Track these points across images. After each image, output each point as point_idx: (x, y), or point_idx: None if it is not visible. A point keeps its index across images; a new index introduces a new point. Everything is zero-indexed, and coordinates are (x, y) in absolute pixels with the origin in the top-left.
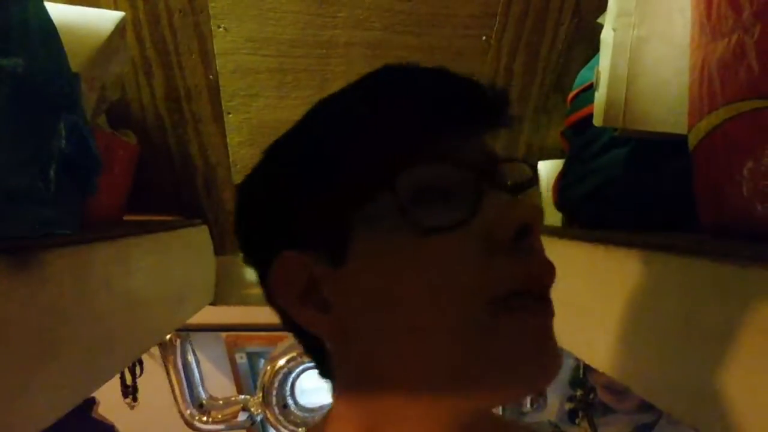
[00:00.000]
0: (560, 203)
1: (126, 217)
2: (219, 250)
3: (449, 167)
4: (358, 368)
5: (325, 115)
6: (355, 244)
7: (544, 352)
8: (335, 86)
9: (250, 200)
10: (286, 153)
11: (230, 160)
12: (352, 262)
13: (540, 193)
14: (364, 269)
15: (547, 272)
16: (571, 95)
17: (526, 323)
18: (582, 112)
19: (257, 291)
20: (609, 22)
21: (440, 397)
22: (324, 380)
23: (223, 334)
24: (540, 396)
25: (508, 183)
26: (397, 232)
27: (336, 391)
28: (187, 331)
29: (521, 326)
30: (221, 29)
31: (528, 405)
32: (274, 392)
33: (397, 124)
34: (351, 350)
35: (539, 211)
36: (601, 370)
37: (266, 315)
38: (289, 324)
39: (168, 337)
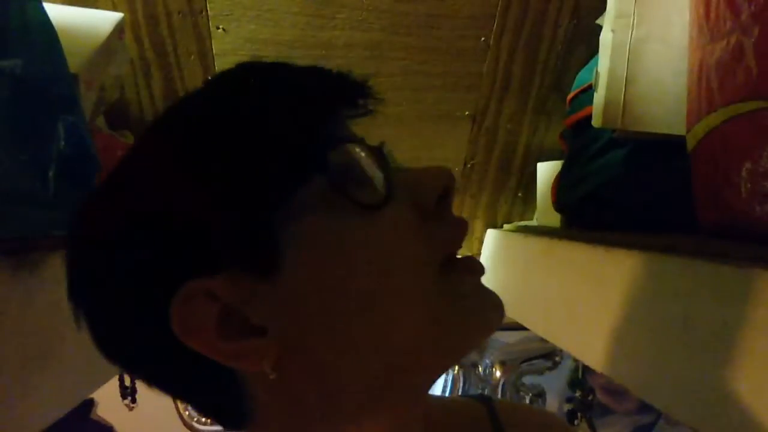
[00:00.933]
0: (559, 204)
1: None
2: None
3: (357, 146)
4: (304, 390)
5: (200, 121)
6: (286, 247)
7: (491, 301)
8: None
9: (114, 242)
10: (166, 175)
11: None
12: (288, 266)
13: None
14: (308, 266)
15: (464, 231)
16: (570, 96)
17: (470, 280)
18: (581, 114)
19: None
20: (608, 24)
21: (404, 389)
22: (226, 426)
23: None
24: (538, 397)
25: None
26: (333, 219)
27: (253, 428)
28: None
29: (467, 284)
30: (220, 30)
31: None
32: None
33: (291, 112)
34: (295, 369)
35: (451, 173)
36: (599, 371)
37: None
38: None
39: None
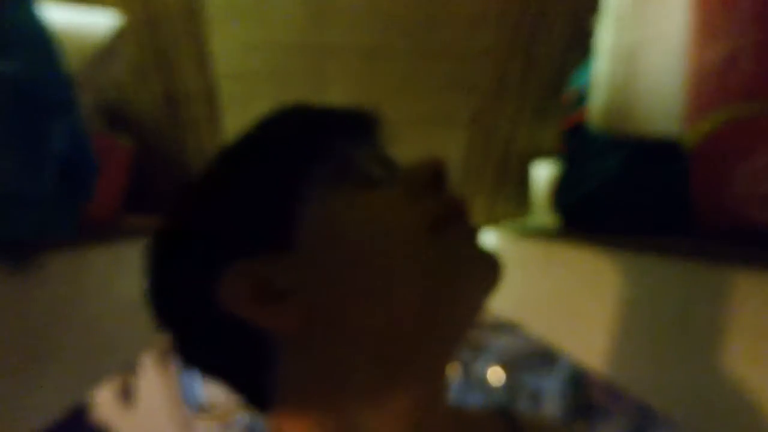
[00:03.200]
0: (557, 206)
1: (122, 220)
2: None
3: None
4: (326, 356)
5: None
6: (305, 227)
7: (486, 253)
8: (333, 89)
9: (187, 232)
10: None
11: None
12: (307, 241)
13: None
14: (322, 238)
15: (461, 200)
16: (567, 98)
17: (462, 233)
18: (579, 115)
19: None
20: (606, 26)
21: (418, 362)
22: (257, 405)
23: None
24: (536, 397)
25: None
26: (339, 200)
27: (282, 405)
28: None
29: (460, 237)
30: (218, 32)
31: (525, 407)
32: None
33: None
34: (318, 332)
35: (441, 160)
36: (597, 372)
37: None
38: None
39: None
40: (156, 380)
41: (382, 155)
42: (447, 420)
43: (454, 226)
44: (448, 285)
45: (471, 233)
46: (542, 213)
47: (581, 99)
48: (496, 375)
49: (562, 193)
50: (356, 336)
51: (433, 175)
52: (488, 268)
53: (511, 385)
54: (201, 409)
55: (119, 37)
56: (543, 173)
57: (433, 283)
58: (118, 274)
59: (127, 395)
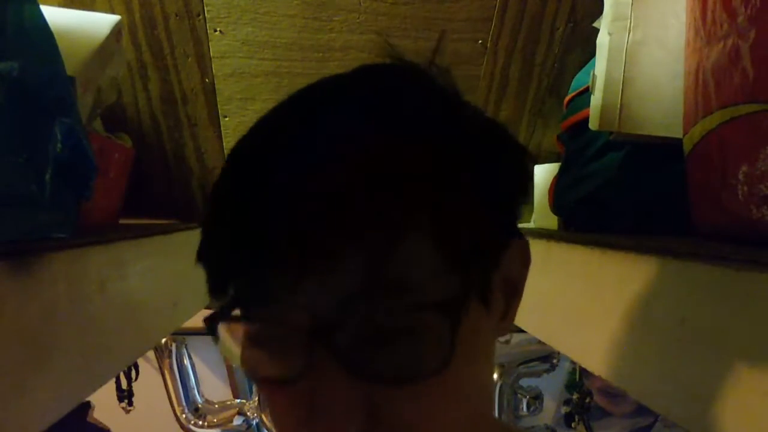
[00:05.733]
0: (556, 207)
1: (121, 221)
2: None
3: None
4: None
5: None
6: None
7: None
8: None
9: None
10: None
11: None
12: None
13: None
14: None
15: None
16: (567, 99)
17: None
18: (578, 116)
19: None
20: (605, 26)
21: None
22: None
23: None
24: (536, 399)
25: None
26: None
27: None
28: (182, 334)
29: None
30: (217, 33)
31: (524, 408)
32: None
33: None
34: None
35: None
36: (597, 374)
37: None
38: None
39: (163, 340)
40: (154, 382)
41: None
42: None
43: None
44: None
45: None
46: (542, 213)
47: (581, 100)
48: (494, 376)
49: (562, 193)
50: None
51: None
52: None
53: (510, 385)
54: (199, 411)
55: (119, 37)
56: (543, 174)
57: None
58: (116, 276)
59: (127, 395)
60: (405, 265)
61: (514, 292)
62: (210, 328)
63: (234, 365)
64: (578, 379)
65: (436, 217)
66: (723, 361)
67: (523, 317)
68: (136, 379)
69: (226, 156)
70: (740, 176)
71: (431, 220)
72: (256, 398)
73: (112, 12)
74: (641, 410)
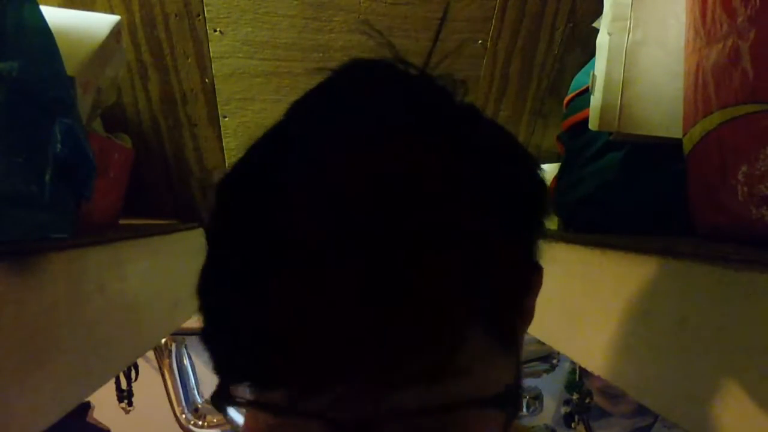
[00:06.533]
0: (556, 207)
1: (121, 221)
2: None
3: None
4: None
5: None
6: None
7: None
8: None
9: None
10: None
11: (226, 163)
12: None
13: None
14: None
15: None
16: (566, 99)
17: None
18: (578, 116)
19: None
20: (604, 27)
21: None
22: None
23: None
24: (536, 400)
25: None
26: None
27: None
28: (182, 335)
29: None
30: (217, 33)
31: (524, 408)
32: None
33: None
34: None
35: None
36: (596, 374)
37: None
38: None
39: (163, 341)
40: (154, 382)
41: None
42: None
43: None
44: None
45: None
46: None
47: (581, 100)
48: None
49: (562, 193)
50: None
51: None
52: None
53: None
54: (199, 411)
55: (118, 37)
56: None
57: None
58: (116, 276)
59: (126, 395)
60: (469, 359)
61: (527, 319)
62: (220, 407)
63: None
64: (578, 379)
65: (493, 300)
66: (723, 361)
67: None
68: (136, 379)
69: (225, 155)
70: (740, 176)
71: (488, 305)
72: None
73: (112, 12)
74: (641, 410)
